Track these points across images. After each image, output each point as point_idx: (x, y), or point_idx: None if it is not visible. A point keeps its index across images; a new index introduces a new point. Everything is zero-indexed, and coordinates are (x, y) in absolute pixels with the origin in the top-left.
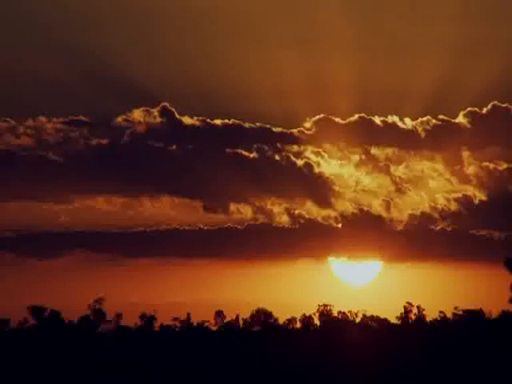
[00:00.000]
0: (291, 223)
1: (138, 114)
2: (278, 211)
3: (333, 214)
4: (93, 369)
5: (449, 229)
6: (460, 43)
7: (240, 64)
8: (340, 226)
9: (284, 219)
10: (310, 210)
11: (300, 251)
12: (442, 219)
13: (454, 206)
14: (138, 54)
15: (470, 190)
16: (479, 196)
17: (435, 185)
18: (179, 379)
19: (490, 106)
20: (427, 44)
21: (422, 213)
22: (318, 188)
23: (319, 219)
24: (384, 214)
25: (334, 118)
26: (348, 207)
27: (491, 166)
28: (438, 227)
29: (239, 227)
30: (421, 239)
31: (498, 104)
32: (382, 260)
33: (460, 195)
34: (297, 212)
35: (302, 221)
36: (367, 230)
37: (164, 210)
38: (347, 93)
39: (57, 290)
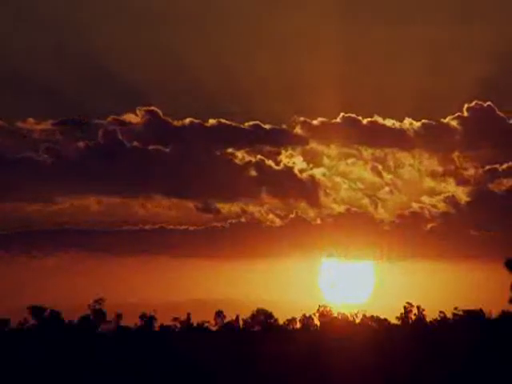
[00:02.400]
0: (284, 223)
1: (128, 116)
2: (270, 211)
3: (324, 213)
4: (93, 369)
5: (442, 228)
6: (446, 44)
7: (230, 66)
8: (331, 225)
9: (276, 219)
10: (300, 209)
11: (294, 251)
12: (435, 219)
13: (445, 206)
14: (129, 56)
15: (462, 190)
16: (472, 196)
17: (427, 185)
18: (179, 379)
19: (477, 106)
20: (414, 45)
21: (414, 212)
22: (309, 188)
23: (310, 219)
24: (375, 213)
25: (323, 118)
26: (338, 207)
27: (483, 165)
28: (432, 227)
29: (233, 227)
30: (415, 239)
31: (482, 103)
32: (376, 260)
33: (452, 195)
34: (288, 212)
35: (295, 221)
36: (360, 230)
37: (159, 210)
38: (336, 93)
39: (57, 290)
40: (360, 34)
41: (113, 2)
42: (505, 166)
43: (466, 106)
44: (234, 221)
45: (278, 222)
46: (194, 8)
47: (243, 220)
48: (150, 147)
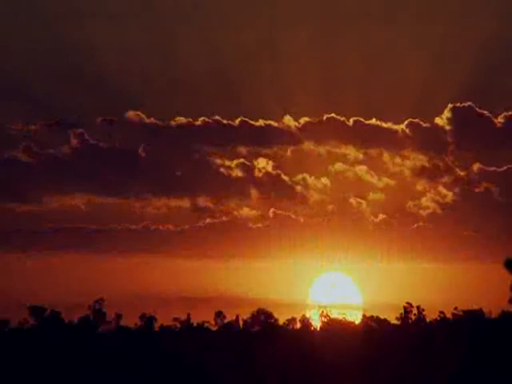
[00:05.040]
0: (282, 224)
1: (118, 116)
2: (258, 211)
3: (320, 214)
4: (93, 369)
5: (441, 228)
6: (434, 44)
7: (216, 66)
8: (331, 226)
9: (274, 219)
10: (297, 210)
11: (294, 251)
12: (433, 219)
13: (441, 206)
14: (120, 57)
15: (457, 190)
16: (468, 196)
17: (421, 185)
18: (179, 379)
19: (467, 106)
20: (403, 45)
21: (410, 213)
22: (301, 188)
23: (308, 220)
24: (370, 214)
25: (314, 118)
26: (335, 208)
27: (475, 165)
28: (431, 227)
29: (231, 227)
30: (414, 239)
31: (471, 103)
32: (375, 260)
33: (447, 195)
34: (284, 213)
35: (292, 222)
36: (357, 231)
37: (155, 210)
38: (325, 93)
39: (57, 289)
40: (348, 35)
41: (102, 3)
42: (497, 165)
43: (455, 105)
44: (231, 220)
45: (276, 222)
46: (184, 6)
47: (241, 220)
48: (140, 147)
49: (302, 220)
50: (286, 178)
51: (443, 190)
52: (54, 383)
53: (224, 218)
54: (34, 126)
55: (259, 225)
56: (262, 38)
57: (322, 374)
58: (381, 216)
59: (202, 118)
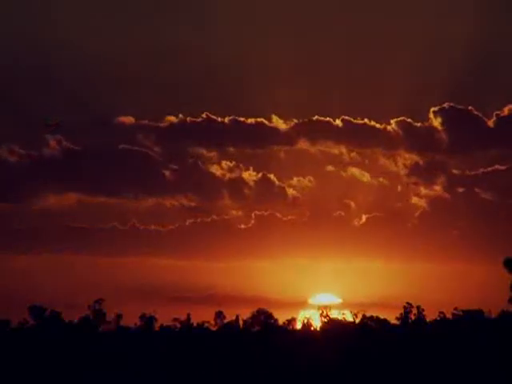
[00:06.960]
0: (281, 224)
1: (109, 117)
2: (244, 212)
3: (319, 215)
4: (93, 369)
5: (440, 228)
6: (421, 44)
7: (208, 65)
8: (331, 227)
9: (274, 220)
10: (295, 210)
11: (294, 251)
12: (432, 219)
13: (437, 206)
14: (112, 58)
15: (452, 191)
16: (464, 196)
17: (416, 185)
18: (179, 379)
19: (457, 107)
20: (393, 42)
21: (408, 213)
22: (296, 189)
23: (306, 220)
24: (365, 214)
25: (297, 119)
26: (332, 208)
27: (470, 165)
28: (430, 227)
29: (230, 227)
30: (413, 239)
31: (462, 105)
32: (375, 260)
33: (442, 195)
34: (283, 213)
35: (291, 222)
36: (356, 231)
37: (149, 210)
38: (314, 93)
39: (57, 289)
40: (338, 34)
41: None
42: (493, 164)
43: (446, 105)
44: (232, 220)
45: (276, 222)
46: (175, 7)
47: (240, 220)
48: (132, 147)
49: (301, 220)
50: (278, 181)
51: (441, 190)
52: (54, 383)
53: (225, 218)
54: (28, 128)
55: (259, 225)
56: (254, 38)
57: (322, 373)
58: (378, 215)
59: (189, 118)
